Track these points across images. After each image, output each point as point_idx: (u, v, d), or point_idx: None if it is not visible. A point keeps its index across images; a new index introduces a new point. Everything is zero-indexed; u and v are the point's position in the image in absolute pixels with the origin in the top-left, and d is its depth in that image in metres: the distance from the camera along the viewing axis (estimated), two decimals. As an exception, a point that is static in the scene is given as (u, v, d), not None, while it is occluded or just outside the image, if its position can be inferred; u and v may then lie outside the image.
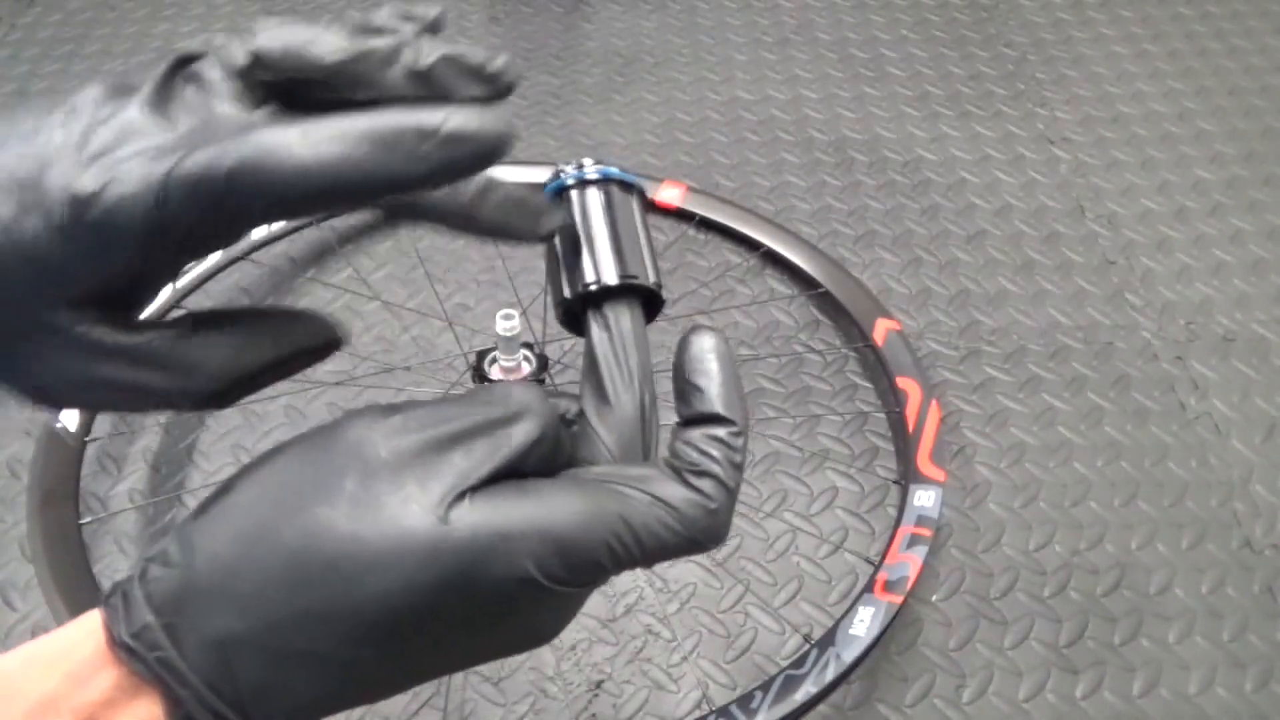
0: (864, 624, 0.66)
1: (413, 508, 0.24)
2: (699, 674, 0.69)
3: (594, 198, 0.32)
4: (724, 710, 0.64)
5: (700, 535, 0.26)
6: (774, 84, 1.14)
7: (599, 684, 0.69)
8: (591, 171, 0.32)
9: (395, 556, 0.24)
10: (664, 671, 0.69)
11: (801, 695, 0.64)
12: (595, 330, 0.32)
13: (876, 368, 0.85)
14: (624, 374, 0.31)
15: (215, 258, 0.88)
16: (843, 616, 0.67)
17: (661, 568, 0.74)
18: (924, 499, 0.73)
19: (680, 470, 0.27)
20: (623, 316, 0.32)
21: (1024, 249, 0.97)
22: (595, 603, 0.72)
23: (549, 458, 0.27)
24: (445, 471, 0.25)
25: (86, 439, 0.76)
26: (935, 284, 0.93)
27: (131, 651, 0.24)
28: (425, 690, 0.68)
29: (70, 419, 0.76)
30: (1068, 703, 0.68)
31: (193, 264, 0.87)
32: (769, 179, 1.03)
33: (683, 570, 0.74)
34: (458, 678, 0.68)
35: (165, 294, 0.85)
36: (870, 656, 0.67)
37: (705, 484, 0.27)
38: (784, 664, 0.67)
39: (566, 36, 1.21)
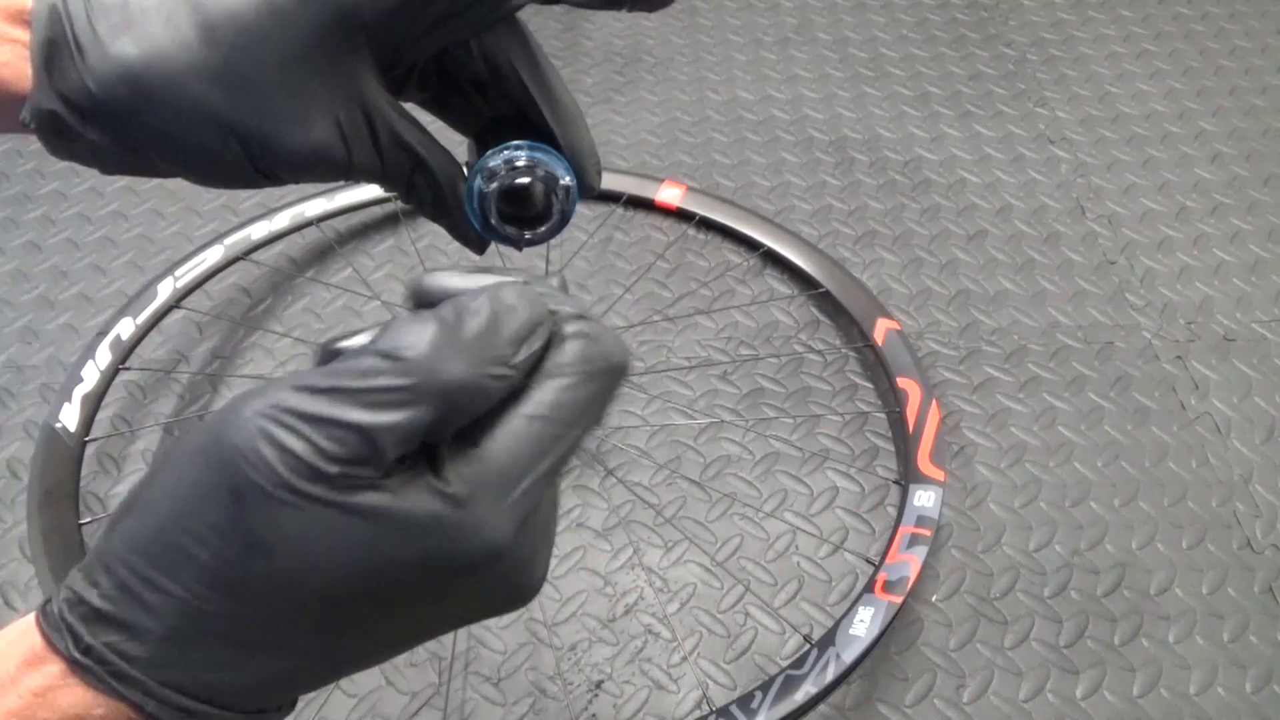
0: (864, 624, 0.66)
1: (312, 497, 0.23)
2: (699, 674, 0.69)
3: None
4: (724, 710, 0.64)
5: (603, 363, 0.26)
6: (774, 84, 1.14)
7: (599, 684, 0.69)
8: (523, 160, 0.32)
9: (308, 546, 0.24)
10: (664, 671, 0.69)
11: (801, 695, 0.64)
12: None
13: (876, 368, 0.85)
14: None
15: (215, 258, 0.88)
16: (843, 616, 0.67)
17: (662, 567, 0.74)
18: (924, 499, 0.73)
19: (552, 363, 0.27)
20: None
21: (1024, 249, 0.97)
22: (595, 603, 0.72)
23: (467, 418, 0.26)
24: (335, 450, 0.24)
25: (86, 439, 0.76)
26: (935, 284, 0.93)
27: (83, 667, 0.24)
28: (425, 690, 0.68)
29: (70, 419, 0.76)
30: (1068, 703, 0.68)
31: (196, 264, 0.87)
32: (769, 179, 1.03)
33: (683, 570, 0.74)
34: (458, 679, 0.69)
35: (166, 294, 0.85)
36: (870, 656, 0.67)
37: (570, 327, 0.27)
38: (784, 664, 0.67)
39: (566, 36, 1.21)
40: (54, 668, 0.25)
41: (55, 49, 0.28)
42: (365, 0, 0.29)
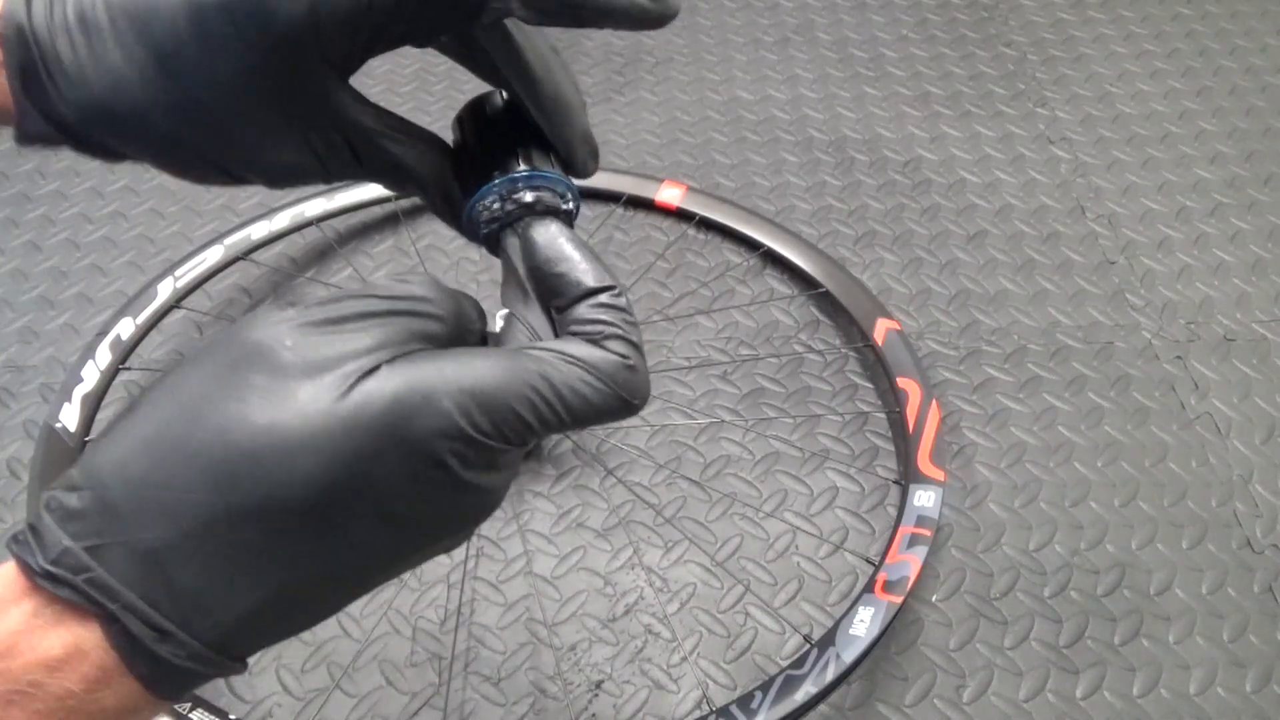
0: (864, 624, 0.66)
1: (327, 386, 0.24)
2: (699, 674, 0.69)
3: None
4: (724, 710, 0.64)
5: (624, 390, 0.28)
6: (774, 84, 1.14)
7: (599, 684, 0.69)
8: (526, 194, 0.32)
9: (317, 435, 0.24)
10: (664, 671, 0.69)
11: (801, 695, 0.64)
12: (514, 237, 0.32)
13: (876, 368, 0.85)
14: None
15: (215, 258, 0.88)
16: (843, 616, 0.67)
17: (662, 567, 0.74)
18: (924, 499, 0.73)
19: (587, 339, 0.28)
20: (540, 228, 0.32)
21: (1024, 249, 0.97)
22: (595, 603, 0.72)
23: (458, 342, 0.28)
24: (354, 350, 0.25)
25: (86, 439, 0.76)
26: (935, 284, 0.93)
27: (54, 578, 0.23)
28: (425, 690, 0.68)
29: (70, 419, 0.76)
30: (1068, 703, 0.68)
31: (195, 265, 0.87)
32: (769, 179, 1.03)
33: (683, 570, 0.74)
34: (458, 679, 0.69)
35: (166, 294, 0.85)
36: (870, 656, 0.67)
37: (614, 344, 0.28)
38: (784, 664, 0.67)
39: (566, 36, 1.21)
40: (18, 612, 0.24)
41: (30, 75, 0.28)
42: (303, 26, 0.27)
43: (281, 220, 0.92)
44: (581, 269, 0.29)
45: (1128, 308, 0.92)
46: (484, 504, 0.27)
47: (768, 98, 1.12)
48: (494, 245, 0.33)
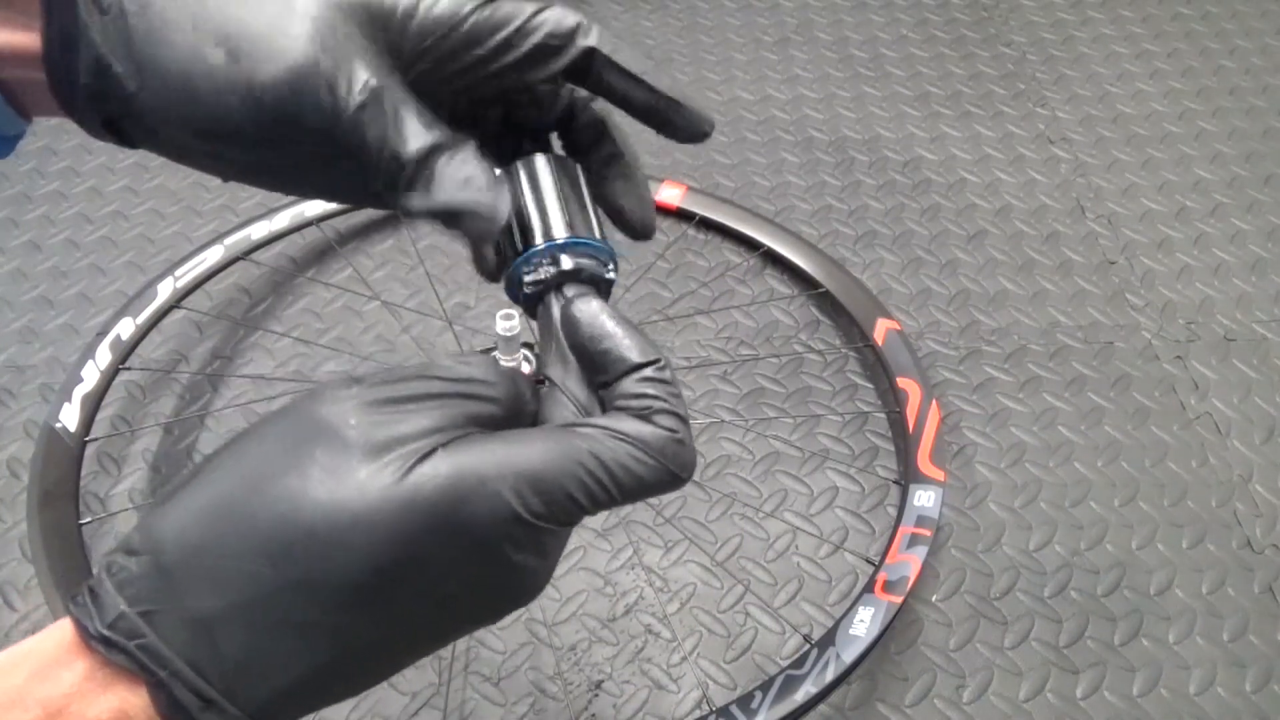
0: (864, 624, 0.66)
1: (386, 467, 0.24)
2: (699, 674, 0.69)
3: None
4: (724, 710, 0.64)
5: (673, 464, 0.27)
6: (774, 84, 1.14)
7: (599, 684, 0.69)
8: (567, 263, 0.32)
9: (374, 515, 0.24)
10: (664, 671, 0.69)
11: (801, 695, 0.64)
12: (555, 305, 0.32)
13: (876, 368, 0.85)
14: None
15: (215, 258, 0.88)
16: (843, 616, 0.67)
17: (662, 567, 0.74)
18: (924, 499, 0.73)
19: (635, 414, 0.28)
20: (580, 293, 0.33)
21: (1024, 249, 0.97)
22: (595, 603, 0.72)
23: (512, 423, 0.28)
24: (414, 431, 0.25)
25: (86, 439, 0.76)
26: (935, 284, 0.93)
27: (109, 643, 0.24)
28: (425, 690, 0.68)
29: (70, 419, 0.76)
30: (1068, 703, 0.68)
31: (195, 264, 0.88)
32: (769, 179, 1.03)
33: (683, 570, 0.74)
34: (458, 679, 0.69)
35: (166, 294, 0.85)
36: (870, 656, 0.67)
37: (663, 419, 0.28)
38: (784, 664, 0.67)
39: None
40: (70, 674, 0.24)
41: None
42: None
43: (281, 220, 0.92)
44: (625, 345, 0.29)
45: (1128, 308, 0.92)
46: (530, 585, 0.28)
47: (768, 98, 1.12)
48: (532, 307, 0.33)
